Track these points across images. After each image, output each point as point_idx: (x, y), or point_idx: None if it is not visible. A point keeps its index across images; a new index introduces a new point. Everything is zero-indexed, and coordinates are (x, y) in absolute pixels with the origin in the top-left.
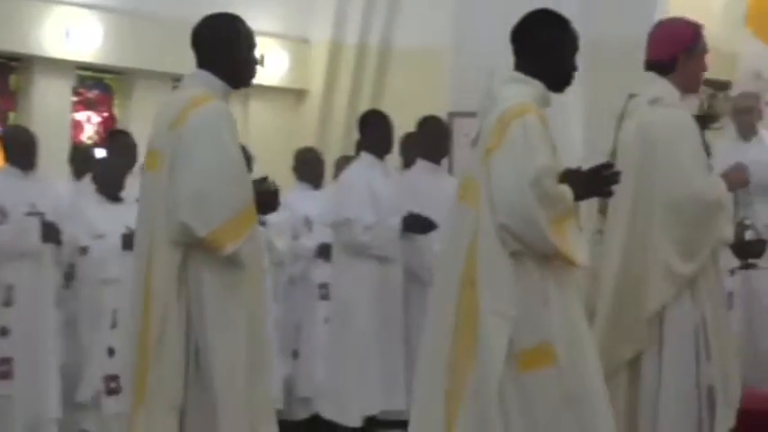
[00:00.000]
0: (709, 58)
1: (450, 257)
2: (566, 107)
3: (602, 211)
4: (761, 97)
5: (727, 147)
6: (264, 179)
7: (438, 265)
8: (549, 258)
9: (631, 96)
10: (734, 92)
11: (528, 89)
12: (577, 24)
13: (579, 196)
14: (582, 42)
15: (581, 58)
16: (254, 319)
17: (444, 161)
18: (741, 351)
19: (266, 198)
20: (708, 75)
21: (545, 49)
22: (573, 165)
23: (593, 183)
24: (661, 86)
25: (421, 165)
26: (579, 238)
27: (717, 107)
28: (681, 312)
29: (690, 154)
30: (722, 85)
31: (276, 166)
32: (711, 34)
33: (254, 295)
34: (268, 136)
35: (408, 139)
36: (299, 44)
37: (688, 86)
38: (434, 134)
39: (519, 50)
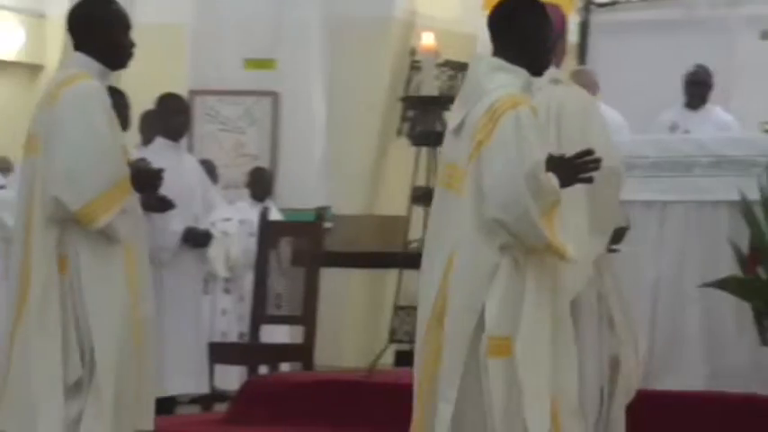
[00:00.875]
0: (447, 40)
1: (436, 245)
2: (309, 84)
3: None
4: None
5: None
6: (143, 159)
7: (425, 252)
8: (535, 252)
9: None
10: None
11: (514, 78)
12: (323, 5)
13: (563, 185)
14: (325, 23)
15: (325, 39)
16: (136, 296)
17: (184, 139)
18: None
19: (146, 177)
20: (448, 56)
21: (526, 36)
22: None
23: (575, 170)
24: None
25: (160, 142)
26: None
27: (457, 88)
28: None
29: (602, 128)
30: (462, 67)
31: (10, 140)
32: (451, 16)
33: (136, 272)
34: (2, 110)
35: (147, 117)
36: (34, 18)
37: (558, 63)
38: (174, 112)
39: (498, 37)
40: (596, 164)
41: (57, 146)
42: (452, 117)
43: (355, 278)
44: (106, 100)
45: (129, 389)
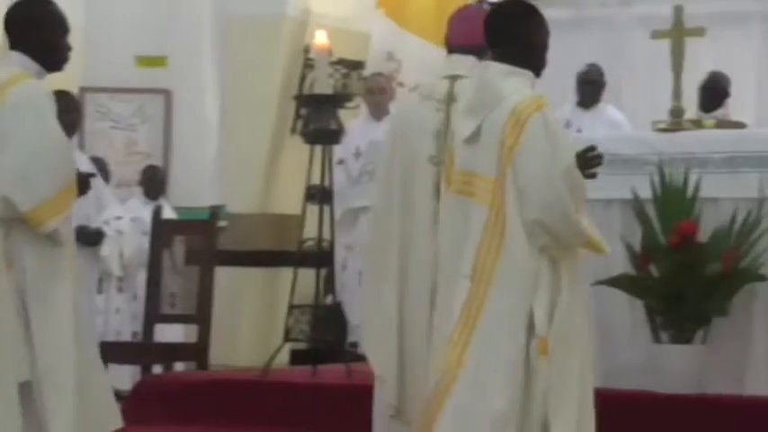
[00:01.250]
0: (341, 39)
1: (453, 254)
2: (201, 82)
3: None
4: (393, 77)
5: (359, 126)
6: None
7: (441, 262)
8: (569, 248)
9: (454, 78)
10: (366, 72)
11: (525, 81)
12: (215, 2)
13: None
14: (218, 20)
15: (217, 37)
16: (75, 299)
17: (74, 137)
18: None
19: (83, 180)
20: (341, 54)
21: (529, 41)
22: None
23: (586, 166)
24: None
25: None
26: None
27: (351, 86)
28: None
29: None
30: (356, 65)
31: None
32: (344, 15)
33: (72, 274)
34: None
35: None
36: None
37: None
38: (64, 110)
39: (501, 43)
40: (600, 159)
41: (9, 145)
42: (463, 126)
43: (250, 277)
44: (53, 101)
45: (90, 386)
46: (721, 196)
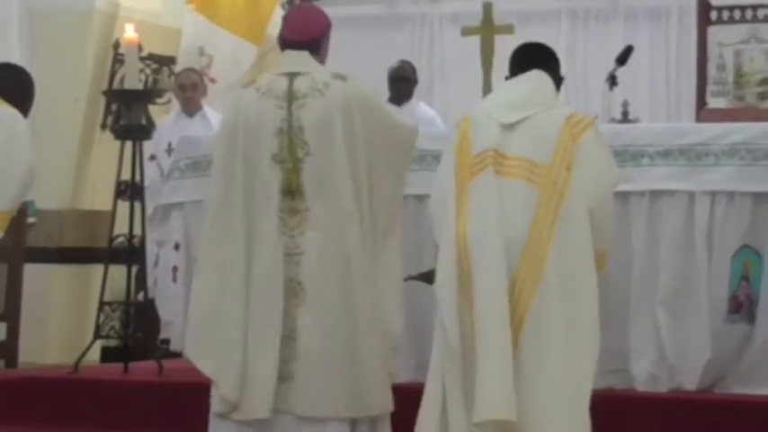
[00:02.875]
0: (151, 34)
1: (494, 232)
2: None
3: None
4: (205, 73)
5: (170, 122)
6: None
7: (475, 234)
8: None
9: (292, 75)
10: (177, 67)
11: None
12: None
13: None
14: (25, 14)
15: (24, 31)
16: None
17: None
18: None
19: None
20: (152, 50)
21: (558, 75)
22: None
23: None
24: (316, 64)
25: None
26: None
27: (162, 82)
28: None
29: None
30: (166, 61)
31: None
32: (154, 9)
33: None
34: None
35: None
36: None
37: (323, 62)
38: None
39: (544, 67)
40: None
41: None
42: (506, 114)
43: (59, 274)
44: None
45: None
46: None
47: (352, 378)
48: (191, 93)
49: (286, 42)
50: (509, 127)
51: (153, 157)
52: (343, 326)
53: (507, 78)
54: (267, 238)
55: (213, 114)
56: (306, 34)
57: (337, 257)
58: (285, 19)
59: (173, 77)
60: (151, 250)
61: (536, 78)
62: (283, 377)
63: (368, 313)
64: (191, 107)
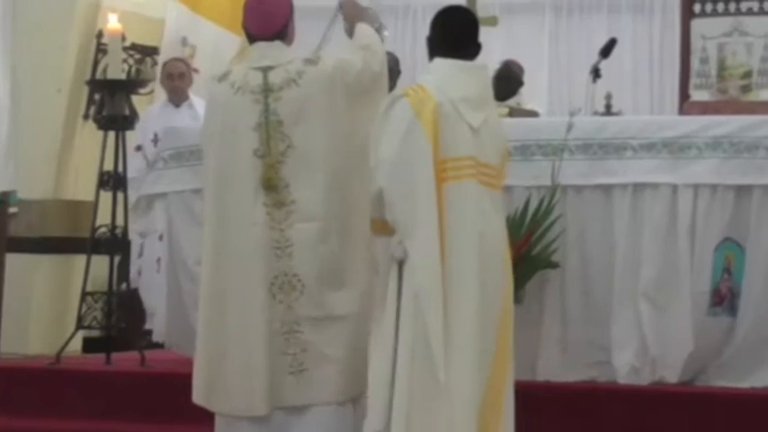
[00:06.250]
0: (134, 24)
1: (486, 237)
2: None
3: None
4: (190, 63)
5: (156, 112)
6: None
7: (477, 246)
8: None
9: (266, 69)
10: (160, 58)
11: None
12: None
13: None
14: (7, 2)
15: (7, 19)
16: None
17: None
18: None
19: None
20: (135, 40)
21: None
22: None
23: None
24: (289, 52)
25: None
26: None
27: (145, 72)
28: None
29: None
30: (150, 51)
31: None
32: (137, 0)
33: None
34: None
35: None
36: None
37: (291, 41)
38: None
39: (471, 45)
40: None
41: None
42: (473, 116)
43: (42, 264)
44: None
45: None
46: (514, 184)
47: (354, 360)
48: (178, 81)
49: (251, 35)
50: (476, 131)
51: (139, 148)
52: (345, 312)
53: (445, 41)
54: (250, 232)
55: (200, 103)
56: (272, 28)
57: (332, 245)
58: (245, 9)
59: (156, 67)
60: (135, 240)
61: (484, 70)
62: (295, 371)
63: (368, 298)
64: (178, 96)
